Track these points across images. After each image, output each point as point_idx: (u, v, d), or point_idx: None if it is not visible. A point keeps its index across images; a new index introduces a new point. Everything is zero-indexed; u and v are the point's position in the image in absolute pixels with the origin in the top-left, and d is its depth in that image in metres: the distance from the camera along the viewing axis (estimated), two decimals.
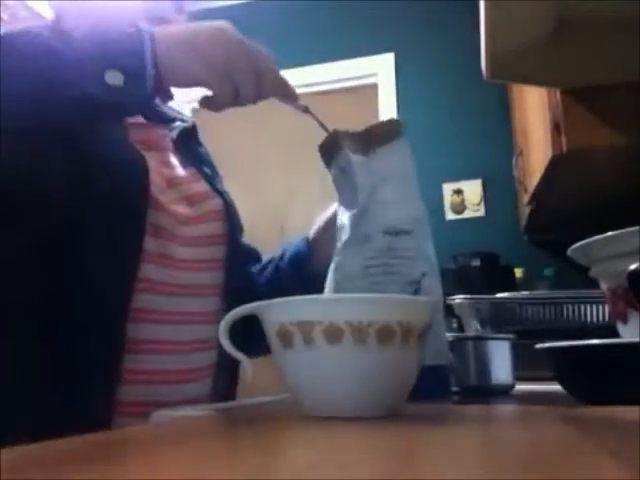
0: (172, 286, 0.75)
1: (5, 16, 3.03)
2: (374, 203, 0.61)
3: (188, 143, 0.90)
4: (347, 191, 0.64)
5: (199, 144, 0.95)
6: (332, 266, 0.62)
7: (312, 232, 0.91)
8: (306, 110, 0.74)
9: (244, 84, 0.68)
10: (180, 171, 0.83)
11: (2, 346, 0.66)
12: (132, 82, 0.62)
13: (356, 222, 0.61)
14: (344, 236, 0.62)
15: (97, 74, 0.61)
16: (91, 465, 0.29)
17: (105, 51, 0.63)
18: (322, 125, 0.71)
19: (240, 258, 0.89)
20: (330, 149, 0.66)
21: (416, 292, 0.60)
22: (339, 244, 0.62)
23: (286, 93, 0.72)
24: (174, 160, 0.84)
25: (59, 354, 0.67)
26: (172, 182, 0.80)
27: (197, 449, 0.33)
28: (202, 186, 0.84)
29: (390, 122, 0.67)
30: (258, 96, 0.69)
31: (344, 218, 0.63)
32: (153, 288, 0.73)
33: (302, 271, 0.89)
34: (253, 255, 0.99)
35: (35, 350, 0.67)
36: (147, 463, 0.28)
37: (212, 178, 0.88)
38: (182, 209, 0.78)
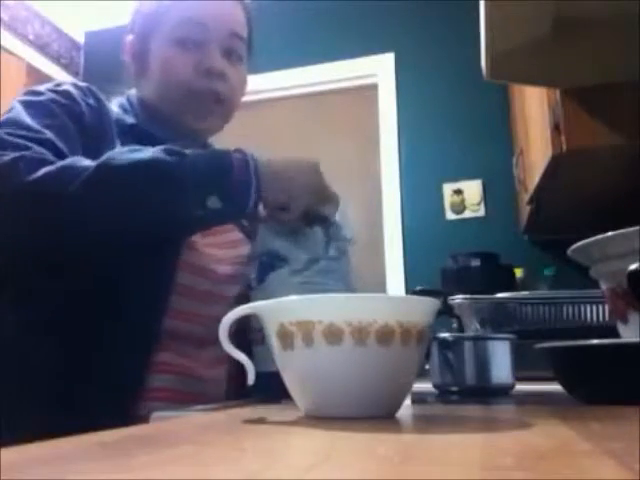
0: (199, 316, 0.81)
1: (6, 17, 3.03)
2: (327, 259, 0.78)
3: None
4: (311, 240, 0.79)
5: None
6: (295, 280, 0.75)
7: None
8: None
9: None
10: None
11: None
12: (231, 206, 0.71)
13: (307, 266, 0.77)
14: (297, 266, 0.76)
15: (200, 200, 0.70)
16: (91, 464, 0.29)
17: (211, 177, 0.71)
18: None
19: None
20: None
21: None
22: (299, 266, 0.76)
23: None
24: None
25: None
26: (209, 232, 0.87)
27: (197, 449, 0.33)
28: (236, 235, 0.93)
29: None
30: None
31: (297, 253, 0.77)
32: (177, 317, 0.79)
33: None
34: None
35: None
36: (147, 462, 0.28)
37: (247, 229, 0.95)
38: (215, 251, 0.86)
